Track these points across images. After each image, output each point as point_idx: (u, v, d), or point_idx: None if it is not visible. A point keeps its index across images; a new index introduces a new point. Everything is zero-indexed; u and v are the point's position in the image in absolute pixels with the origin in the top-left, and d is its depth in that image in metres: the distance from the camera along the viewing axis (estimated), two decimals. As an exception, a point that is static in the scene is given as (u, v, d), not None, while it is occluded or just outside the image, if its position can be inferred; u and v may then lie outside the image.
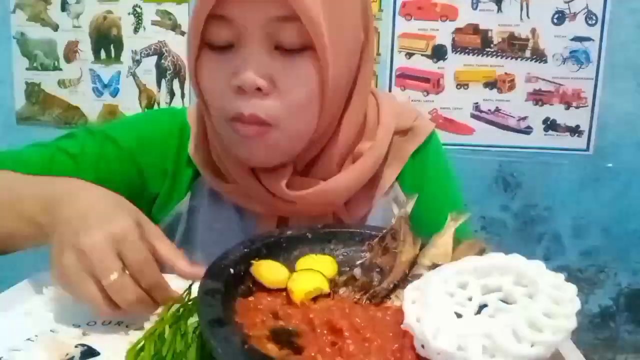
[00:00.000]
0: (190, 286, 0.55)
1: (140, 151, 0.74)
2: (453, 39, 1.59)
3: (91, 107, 1.78)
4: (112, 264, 0.50)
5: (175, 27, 1.70)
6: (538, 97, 1.59)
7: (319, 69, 0.62)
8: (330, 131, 0.70)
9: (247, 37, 0.60)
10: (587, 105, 1.58)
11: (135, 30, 1.72)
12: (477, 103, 1.61)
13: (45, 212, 0.57)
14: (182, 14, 1.69)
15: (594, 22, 1.54)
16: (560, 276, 0.44)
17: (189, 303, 0.53)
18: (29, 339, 0.51)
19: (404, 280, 0.55)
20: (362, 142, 0.74)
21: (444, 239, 0.60)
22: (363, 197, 0.75)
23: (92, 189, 0.59)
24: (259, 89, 0.60)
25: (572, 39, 1.55)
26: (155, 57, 1.73)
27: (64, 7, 1.74)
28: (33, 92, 1.79)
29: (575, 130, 1.59)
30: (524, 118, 1.60)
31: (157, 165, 0.76)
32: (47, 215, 0.56)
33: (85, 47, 1.75)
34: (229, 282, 0.50)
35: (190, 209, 0.76)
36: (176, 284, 0.60)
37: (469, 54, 1.59)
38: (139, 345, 0.47)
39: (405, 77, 1.63)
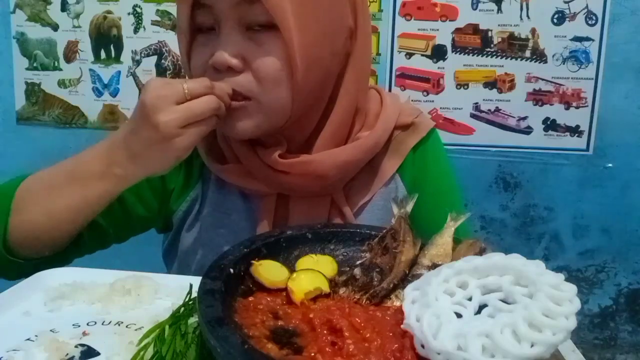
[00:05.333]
0: (190, 286, 0.55)
1: None
2: (453, 39, 1.59)
3: (91, 107, 1.77)
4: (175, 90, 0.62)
5: (175, 27, 1.70)
6: (538, 97, 1.59)
7: (285, 47, 0.66)
8: (319, 113, 0.74)
9: (223, 21, 0.67)
10: (587, 105, 1.58)
11: (135, 30, 1.72)
12: (477, 103, 1.61)
13: (100, 159, 0.66)
14: (182, 14, 1.69)
15: (594, 22, 1.54)
16: (560, 276, 0.44)
17: (189, 303, 0.53)
18: (29, 339, 0.51)
19: (404, 280, 0.55)
20: (363, 131, 0.78)
21: (444, 239, 0.60)
22: (362, 185, 0.79)
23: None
24: (231, 68, 0.67)
25: (572, 39, 1.55)
26: (155, 57, 1.73)
27: (64, 7, 1.74)
28: (33, 92, 1.79)
29: (575, 130, 1.59)
30: (524, 118, 1.60)
31: None
32: (105, 158, 0.66)
33: (85, 47, 1.75)
34: (229, 282, 0.50)
35: (201, 195, 0.81)
36: (177, 284, 0.60)
37: (469, 54, 1.59)
38: (142, 345, 0.47)
39: (405, 77, 1.63)
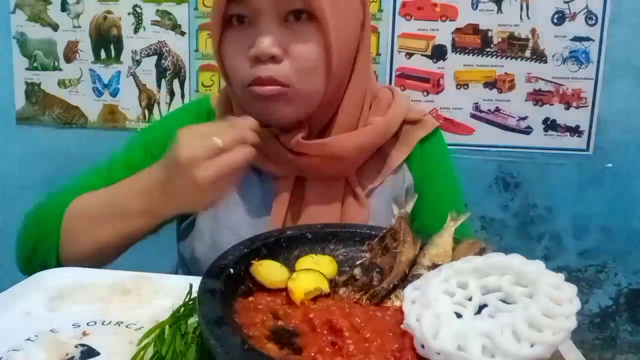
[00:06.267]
0: (190, 286, 0.55)
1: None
2: (453, 39, 1.59)
3: (91, 107, 1.78)
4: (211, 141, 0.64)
5: (175, 27, 1.70)
6: (538, 97, 1.59)
7: (322, 38, 0.71)
8: (338, 98, 0.79)
9: (261, 14, 0.70)
10: (587, 105, 1.58)
11: (135, 30, 1.72)
12: (477, 103, 1.61)
13: (140, 198, 0.69)
14: (182, 14, 1.69)
15: (594, 22, 1.54)
16: (560, 276, 0.44)
17: (189, 303, 0.53)
18: (29, 339, 0.51)
19: (404, 280, 0.55)
20: (374, 117, 0.82)
21: (444, 239, 0.60)
22: (373, 170, 0.83)
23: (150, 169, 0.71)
24: (273, 57, 0.70)
25: (572, 39, 1.55)
26: (155, 57, 1.73)
27: (64, 7, 1.74)
28: (33, 92, 1.79)
29: (575, 130, 1.59)
30: (524, 118, 1.60)
31: None
32: (144, 197, 0.69)
33: (85, 47, 1.75)
34: (229, 282, 0.50)
35: None
36: (177, 284, 0.60)
37: (469, 54, 1.59)
38: (142, 345, 0.47)
39: (405, 77, 1.63)
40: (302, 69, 0.72)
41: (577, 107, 1.58)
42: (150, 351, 0.47)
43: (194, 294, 0.51)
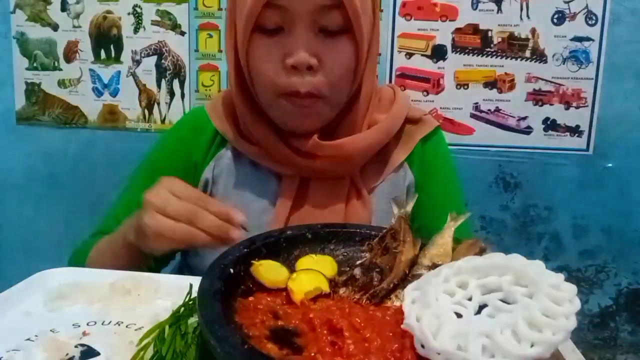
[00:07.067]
0: (190, 286, 0.55)
1: (182, 148, 0.88)
2: (453, 39, 1.59)
3: (91, 107, 1.77)
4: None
5: (175, 27, 1.70)
6: (538, 97, 1.59)
7: (355, 48, 0.74)
8: (351, 101, 0.81)
9: (297, 23, 0.71)
10: (587, 105, 1.58)
11: (135, 30, 1.72)
12: (477, 103, 1.61)
13: (124, 233, 0.74)
14: (182, 14, 1.69)
15: (594, 22, 1.54)
16: (560, 276, 0.44)
17: (189, 303, 0.53)
18: (29, 339, 0.51)
19: (404, 280, 0.55)
20: (378, 114, 0.84)
21: (444, 239, 0.60)
22: (375, 169, 0.85)
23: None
24: (310, 67, 0.72)
25: (572, 39, 1.55)
26: (155, 57, 1.73)
27: (64, 7, 1.74)
28: (33, 92, 1.79)
29: (575, 130, 1.59)
30: (524, 118, 1.60)
31: (199, 147, 0.88)
32: (125, 231, 0.74)
33: (85, 47, 1.75)
34: (229, 282, 0.50)
35: (213, 178, 0.85)
36: (177, 284, 0.60)
37: (469, 54, 1.59)
38: (142, 345, 0.47)
39: (405, 77, 1.63)
40: (335, 81, 0.74)
41: (577, 107, 1.58)
42: (150, 351, 0.47)
43: (194, 294, 0.51)
